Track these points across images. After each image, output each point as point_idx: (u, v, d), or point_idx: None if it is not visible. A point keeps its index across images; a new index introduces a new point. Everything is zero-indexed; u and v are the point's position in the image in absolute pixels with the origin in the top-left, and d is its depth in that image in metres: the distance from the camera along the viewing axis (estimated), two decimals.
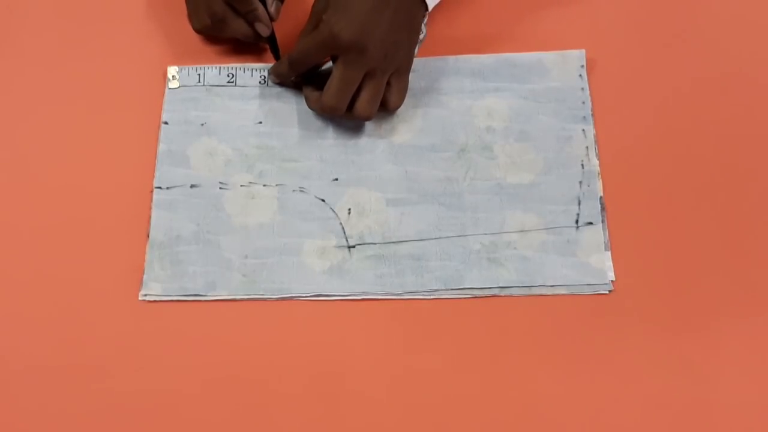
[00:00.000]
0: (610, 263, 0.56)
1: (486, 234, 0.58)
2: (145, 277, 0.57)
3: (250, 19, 0.61)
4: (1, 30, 0.67)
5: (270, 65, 0.63)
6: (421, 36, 0.60)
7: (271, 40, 0.62)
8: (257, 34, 0.62)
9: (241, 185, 0.60)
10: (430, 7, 0.58)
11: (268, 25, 0.61)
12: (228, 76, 0.64)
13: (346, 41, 0.54)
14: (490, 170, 0.60)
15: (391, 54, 0.57)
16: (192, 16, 0.62)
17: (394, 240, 0.58)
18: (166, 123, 0.62)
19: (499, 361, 0.54)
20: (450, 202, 0.59)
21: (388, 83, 0.58)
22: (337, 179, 0.60)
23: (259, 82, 0.63)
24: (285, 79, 0.62)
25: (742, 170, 0.59)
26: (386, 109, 0.59)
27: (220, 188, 0.60)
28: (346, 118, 0.59)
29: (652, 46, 0.63)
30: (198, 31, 0.63)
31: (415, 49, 0.60)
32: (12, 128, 0.63)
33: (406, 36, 0.58)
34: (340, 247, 0.58)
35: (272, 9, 0.61)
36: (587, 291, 0.56)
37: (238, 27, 0.61)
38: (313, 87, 0.60)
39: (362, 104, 0.57)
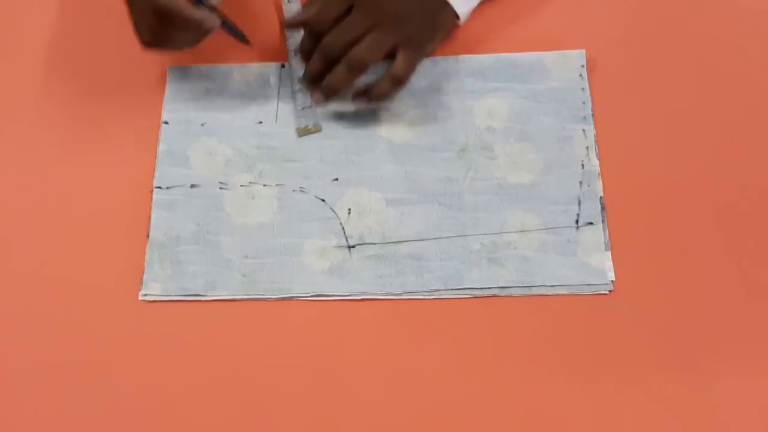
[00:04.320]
0: (610, 263, 0.56)
1: (486, 234, 0.58)
2: (145, 277, 0.57)
3: (195, 22, 0.57)
4: (1, 29, 0.67)
5: (271, 64, 0.64)
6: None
7: (226, 26, 0.60)
8: (206, 31, 0.58)
9: (241, 185, 0.60)
10: (462, 18, 0.61)
11: (215, 20, 0.58)
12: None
13: None
14: (491, 170, 0.60)
15: (402, 20, 0.59)
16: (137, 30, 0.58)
17: (394, 240, 0.58)
18: (166, 123, 0.62)
19: (499, 360, 0.54)
20: (450, 202, 0.59)
21: (396, 54, 0.59)
22: (337, 179, 0.60)
23: (259, 83, 0.63)
24: (322, 75, 0.60)
25: (742, 170, 0.59)
26: (392, 78, 0.59)
27: (220, 188, 0.60)
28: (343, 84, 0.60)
29: (652, 46, 0.63)
30: (147, 44, 0.58)
31: (432, 37, 0.61)
32: (12, 128, 0.63)
33: (422, 14, 0.60)
34: (340, 247, 0.58)
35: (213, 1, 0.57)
36: (587, 291, 0.56)
37: (183, 37, 0.58)
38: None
39: (360, 47, 0.58)
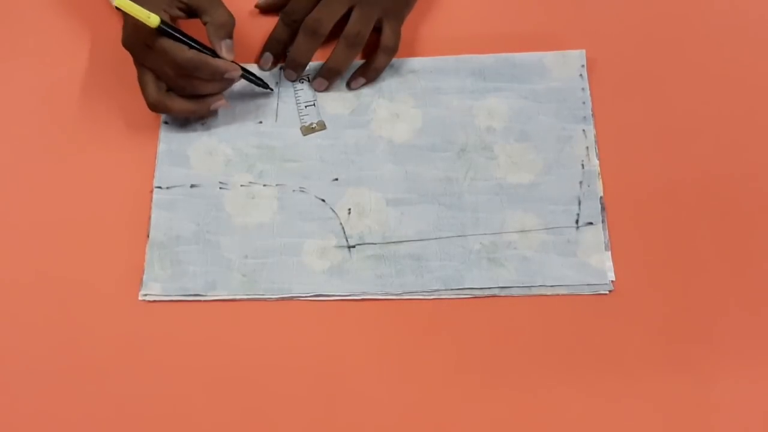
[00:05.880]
0: (610, 263, 0.56)
1: (486, 234, 0.58)
2: (145, 277, 0.57)
3: (216, 77, 0.58)
4: (1, 30, 0.67)
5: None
6: None
7: (246, 75, 0.60)
8: (228, 81, 0.59)
9: (241, 185, 0.60)
10: None
11: (235, 68, 0.58)
12: None
13: None
14: (491, 170, 0.60)
15: None
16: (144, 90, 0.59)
17: (394, 240, 0.58)
18: (166, 123, 0.62)
19: (499, 361, 0.54)
20: (450, 202, 0.59)
21: (381, 28, 0.61)
22: (337, 179, 0.60)
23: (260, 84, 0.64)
24: (284, 43, 0.63)
25: (741, 170, 0.59)
26: (385, 49, 0.61)
27: (220, 188, 0.60)
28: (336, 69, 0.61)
29: (652, 46, 0.63)
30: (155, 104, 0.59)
31: (408, 2, 0.63)
32: (12, 128, 0.63)
33: None
34: (340, 247, 0.58)
35: (224, 53, 0.58)
36: (587, 291, 0.56)
37: (206, 89, 0.59)
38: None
39: (353, 22, 0.60)
